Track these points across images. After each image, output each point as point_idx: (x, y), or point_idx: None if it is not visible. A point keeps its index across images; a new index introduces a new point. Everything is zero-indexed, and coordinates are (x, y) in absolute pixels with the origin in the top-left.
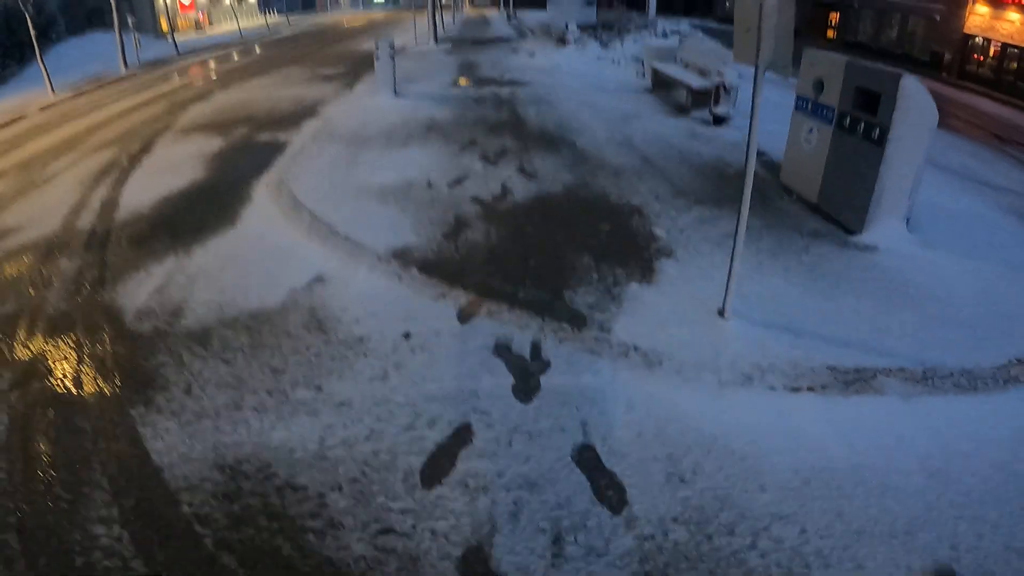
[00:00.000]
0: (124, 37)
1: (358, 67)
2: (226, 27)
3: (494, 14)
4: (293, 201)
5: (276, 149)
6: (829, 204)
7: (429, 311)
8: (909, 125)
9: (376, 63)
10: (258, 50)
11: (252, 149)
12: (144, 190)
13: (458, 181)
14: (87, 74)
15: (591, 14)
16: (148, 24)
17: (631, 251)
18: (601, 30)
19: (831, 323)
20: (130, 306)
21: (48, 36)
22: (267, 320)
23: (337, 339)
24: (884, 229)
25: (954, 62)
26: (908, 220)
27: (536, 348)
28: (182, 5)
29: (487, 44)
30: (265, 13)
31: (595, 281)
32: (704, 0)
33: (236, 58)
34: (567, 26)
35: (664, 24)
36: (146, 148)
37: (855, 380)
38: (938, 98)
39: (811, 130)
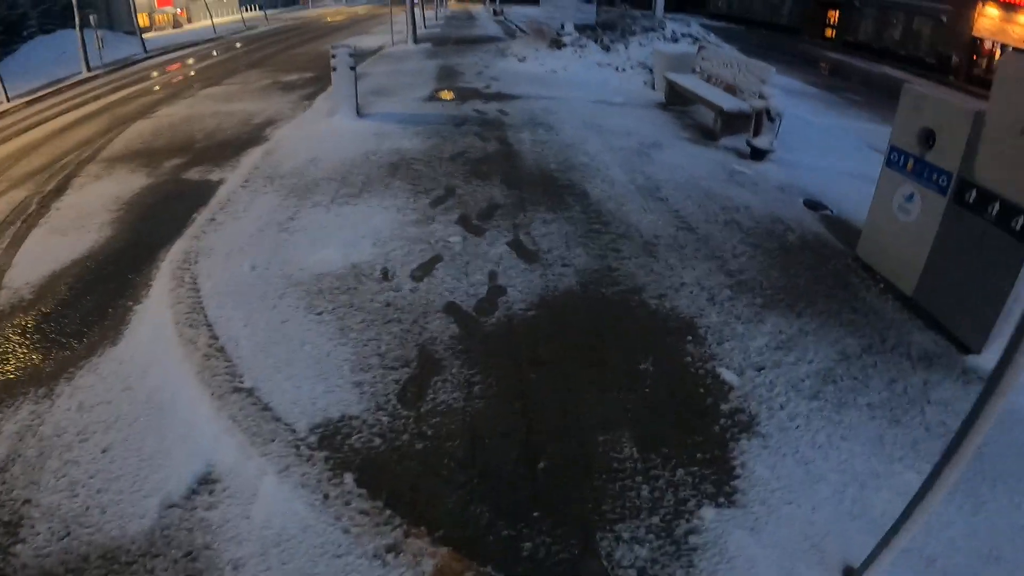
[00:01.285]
0: (91, 35)
1: (325, 73)
2: (206, 22)
3: (480, 9)
4: (193, 303)
5: (202, 195)
6: (934, 302)
7: None
8: None
9: (333, 76)
10: (226, 50)
11: (175, 194)
12: (37, 258)
13: (427, 269)
14: (50, 76)
15: (590, 12)
16: (124, 20)
17: (693, 422)
18: (601, 31)
19: None
20: None
21: (19, 33)
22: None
23: None
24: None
25: (962, 65)
26: None
27: None
28: (160, 0)
29: (472, 44)
30: (245, 8)
31: (646, 504)
32: None
33: (200, 60)
34: (563, 26)
35: (673, 25)
36: (64, 186)
37: None
38: None
39: (911, 196)
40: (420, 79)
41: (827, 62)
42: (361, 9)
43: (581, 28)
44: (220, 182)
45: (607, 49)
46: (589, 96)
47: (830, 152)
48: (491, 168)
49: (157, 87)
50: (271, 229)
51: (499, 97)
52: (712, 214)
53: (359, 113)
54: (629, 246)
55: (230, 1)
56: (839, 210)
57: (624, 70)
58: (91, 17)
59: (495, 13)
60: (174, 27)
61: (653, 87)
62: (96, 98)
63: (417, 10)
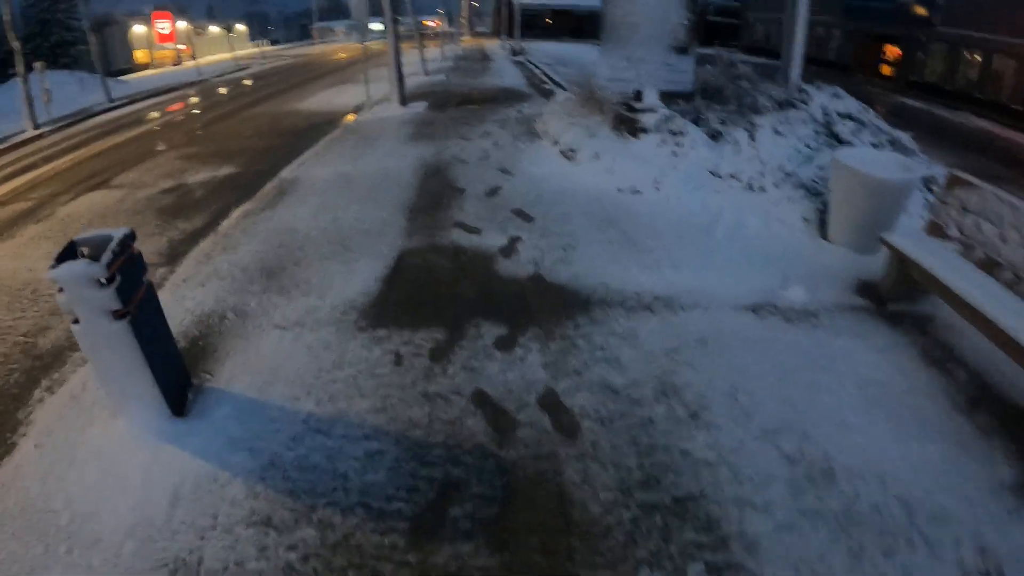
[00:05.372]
0: (46, 82)
1: (261, 161)
2: (211, 57)
3: (495, 46)
4: None
5: None
6: None
7: None
8: None
9: (77, 334)
10: (183, 105)
11: None
12: None
13: None
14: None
15: (685, 70)
16: (118, 56)
17: None
18: (704, 104)
19: None
20: None
21: (4, 72)
22: None
23: None
24: None
25: None
26: None
27: None
28: (160, 35)
29: (483, 108)
30: (257, 43)
31: None
32: (726, 27)
33: (140, 122)
34: (641, 94)
35: (820, 96)
36: None
37: None
38: None
39: None
40: (378, 212)
41: (905, 110)
42: (375, 44)
43: (669, 96)
44: None
45: (715, 137)
46: (730, 284)
47: None
48: None
49: (50, 176)
50: None
51: (541, 302)
52: None
53: (178, 409)
54: None
55: (239, 35)
56: None
57: (762, 188)
58: (35, 64)
59: (514, 52)
60: (174, 64)
61: (823, 230)
62: None
63: (423, 50)
